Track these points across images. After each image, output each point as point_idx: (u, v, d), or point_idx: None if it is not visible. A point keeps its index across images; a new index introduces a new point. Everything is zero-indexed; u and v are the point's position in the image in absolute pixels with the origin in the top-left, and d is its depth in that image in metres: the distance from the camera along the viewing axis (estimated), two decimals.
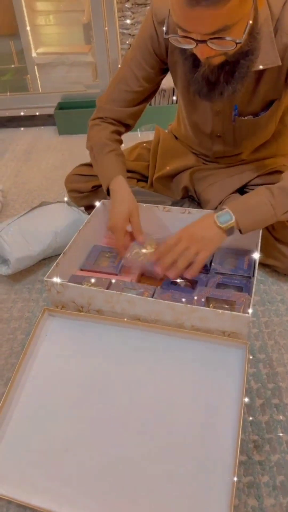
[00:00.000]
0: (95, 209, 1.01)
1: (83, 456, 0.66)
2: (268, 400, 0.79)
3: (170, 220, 1.01)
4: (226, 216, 0.82)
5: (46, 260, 1.17)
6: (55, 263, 0.83)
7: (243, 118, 0.99)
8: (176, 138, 1.29)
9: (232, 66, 0.80)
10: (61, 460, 0.66)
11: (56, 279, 0.79)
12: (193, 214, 0.99)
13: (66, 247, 0.88)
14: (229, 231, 0.83)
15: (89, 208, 0.97)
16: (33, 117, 2.22)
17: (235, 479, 0.58)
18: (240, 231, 0.84)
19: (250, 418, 0.76)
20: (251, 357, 0.87)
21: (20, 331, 0.96)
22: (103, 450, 0.66)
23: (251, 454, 0.70)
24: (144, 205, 1.01)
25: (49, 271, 0.81)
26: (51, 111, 2.13)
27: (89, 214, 1.05)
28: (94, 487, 0.63)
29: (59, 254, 0.84)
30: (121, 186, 0.95)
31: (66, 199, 1.21)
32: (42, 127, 2.22)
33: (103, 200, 1.04)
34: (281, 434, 0.73)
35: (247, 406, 0.77)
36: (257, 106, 0.96)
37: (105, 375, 0.74)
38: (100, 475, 0.64)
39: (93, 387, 0.72)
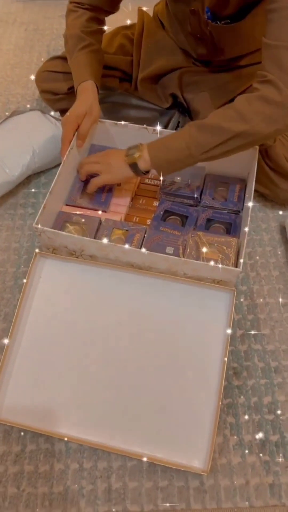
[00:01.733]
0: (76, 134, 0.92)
1: (85, 386, 0.75)
2: (247, 330, 0.88)
3: None
4: (133, 150, 0.83)
5: (24, 179, 1.10)
6: (42, 205, 0.80)
7: (218, 23, 0.88)
8: (163, 26, 1.12)
9: None
10: (67, 390, 0.74)
11: (47, 228, 0.78)
12: None
13: (52, 185, 0.83)
14: (133, 166, 0.83)
15: (65, 112, 0.90)
16: None
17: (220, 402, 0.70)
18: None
19: (231, 348, 0.85)
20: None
21: (9, 263, 0.97)
22: (103, 379, 0.75)
23: (231, 379, 0.82)
24: (135, 125, 0.96)
25: (37, 216, 0.78)
26: None
27: None
28: (97, 411, 0.73)
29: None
30: (88, 91, 0.92)
31: (42, 112, 1.09)
32: None
33: None
34: (257, 362, 0.84)
35: None
36: (233, 9, 0.85)
37: (103, 313, 0.79)
38: (101, 399, 0.74)
39: (92, 325, 0.78)
